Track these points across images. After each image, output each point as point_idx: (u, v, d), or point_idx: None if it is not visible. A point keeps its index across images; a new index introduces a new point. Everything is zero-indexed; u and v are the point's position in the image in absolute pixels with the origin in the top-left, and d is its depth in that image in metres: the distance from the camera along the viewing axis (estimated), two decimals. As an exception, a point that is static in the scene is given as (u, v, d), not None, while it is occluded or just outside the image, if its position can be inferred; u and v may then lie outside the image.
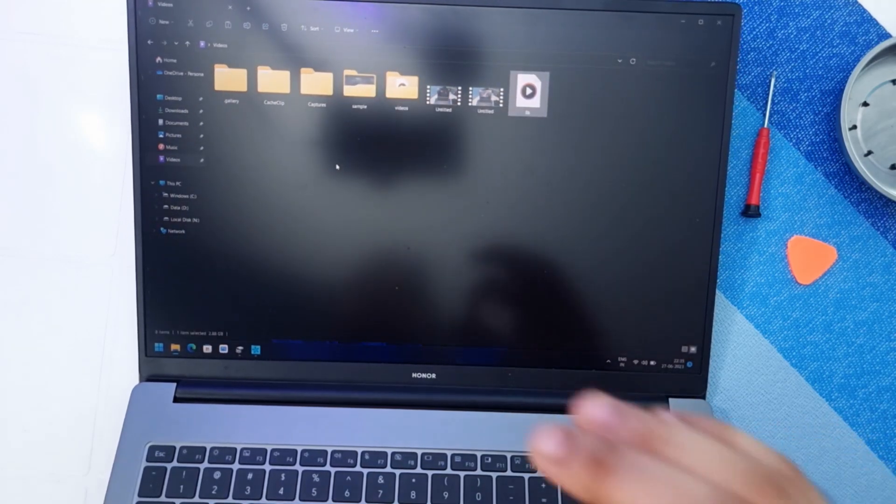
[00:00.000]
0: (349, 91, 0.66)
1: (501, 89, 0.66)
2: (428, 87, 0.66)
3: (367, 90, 0.66)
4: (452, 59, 0.66)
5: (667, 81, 0.67)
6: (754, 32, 0.74)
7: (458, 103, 0.66)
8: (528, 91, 0.66)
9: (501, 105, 0.66)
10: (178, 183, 0.66)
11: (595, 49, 0.66)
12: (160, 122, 0.65)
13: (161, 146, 0.66)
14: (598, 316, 0.69)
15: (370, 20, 0.65)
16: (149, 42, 0.65)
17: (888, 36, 0.74)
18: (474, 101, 0.66)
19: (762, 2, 0.74)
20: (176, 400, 0.68)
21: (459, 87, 0.66)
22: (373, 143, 0.66)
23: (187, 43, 0.65)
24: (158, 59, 0.65)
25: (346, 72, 0.66)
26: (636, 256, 0.68)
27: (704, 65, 0.67)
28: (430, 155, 0.67)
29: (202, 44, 0.65)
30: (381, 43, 0.66)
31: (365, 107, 0.66)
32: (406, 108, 0.66)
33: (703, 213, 0.68)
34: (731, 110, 0.67)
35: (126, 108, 0.71)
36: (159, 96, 0.65)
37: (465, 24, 0.66)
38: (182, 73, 0.65)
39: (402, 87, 0.66)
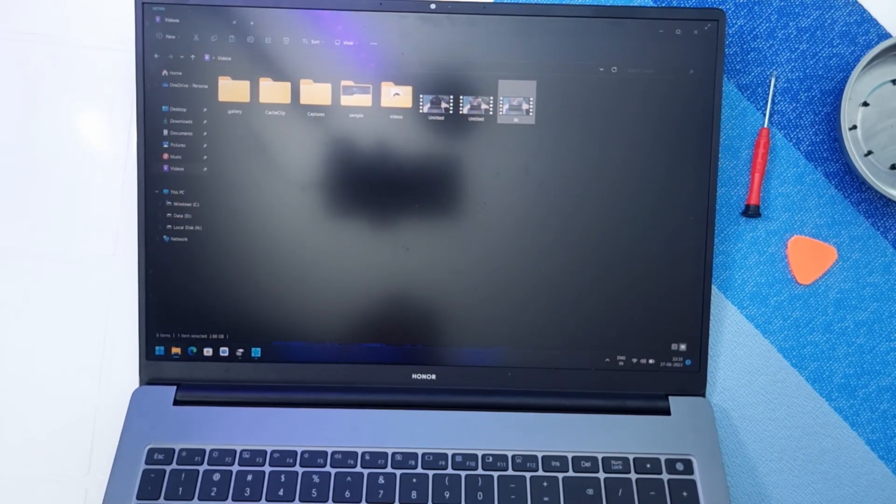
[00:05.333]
0: (346, 101, 0.68)
1: (490, 98, 0.68)
2: (421, 96, 0.68)
3: (363, 100, 0.68)
4: (444, 70, 0.68)
5: (653, 87, 0.68)
6: (754, 32, 0.74)
7: (450, 111, 0.68)
8: (516, 99, 0.68)
9: (491, 113, 0.68)
10: (181, 191, 0.68)
11: (579, 58, 0.68)
12: (165, 132, 0.68)
13: (165, 156, 0.68)
14: (596, 315, 0.69)
15: (368, 33, 0.67)
16: (155, 56, 0.67)
17: (888, 36, 0.73)
18: (465, 110, 0.68)
19: (762, 2, 0.74)
20: (176, 403, 0.68)
21: (451, 96, 0.68)
22: (369, 150, 0.68)
23: (192, 56, 0.67)
24: (164, 72, 0.67)
25: (344, 82, 0.68)
26: (632, 256, 0.69)
27: (691, 68, 0.68)
28: (424, 161, 0.68)
29: (207, 57, 0.67)
30: (377, 55, 0.67)
31: (361, 116, 0.68)
32: (400, 117, 0.68)
33: (697, 213, 0.69)
34: (720, 111, 0.68)
35: (126, 109, 0.73)
36: (164, 108, 0.67)
37: (457, 35, 0.67)
38: (187, 85, 0.68)
39: (397, 96, 0.68)
